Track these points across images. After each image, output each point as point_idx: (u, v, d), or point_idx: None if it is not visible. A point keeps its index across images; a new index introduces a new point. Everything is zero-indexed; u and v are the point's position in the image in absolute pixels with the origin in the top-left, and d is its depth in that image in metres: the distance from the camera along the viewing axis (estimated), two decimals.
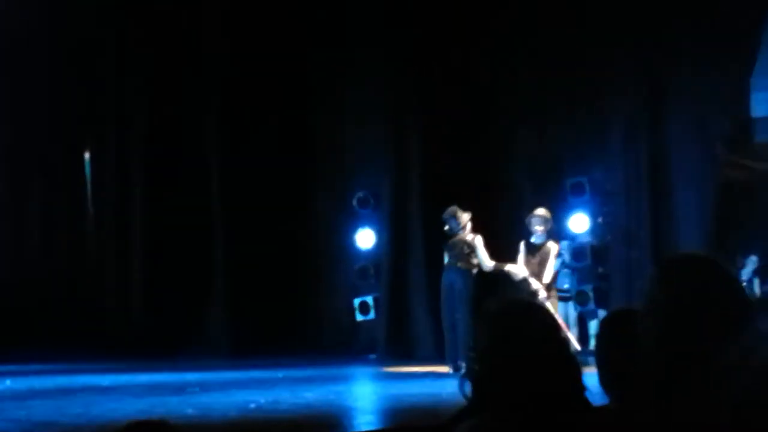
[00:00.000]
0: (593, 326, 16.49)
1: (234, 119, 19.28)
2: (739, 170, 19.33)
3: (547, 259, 14.93)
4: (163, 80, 19.29)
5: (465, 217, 14.72)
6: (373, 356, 18.11)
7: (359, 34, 18.76)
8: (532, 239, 15.08)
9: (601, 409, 3.37)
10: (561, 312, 15.82)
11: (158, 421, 3.73)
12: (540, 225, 15.02)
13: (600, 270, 17.02)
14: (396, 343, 18.01)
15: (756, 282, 19.29)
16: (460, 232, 14.67)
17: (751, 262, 19.28)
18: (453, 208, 14.80)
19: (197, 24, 19.34)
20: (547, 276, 14.92)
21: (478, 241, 14.65)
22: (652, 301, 2.69)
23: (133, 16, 19.29)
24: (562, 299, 16.11)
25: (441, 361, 15.05)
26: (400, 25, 18.27)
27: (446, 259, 14.82)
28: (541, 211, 15.18)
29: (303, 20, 18.91)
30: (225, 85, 19.33)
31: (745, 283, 18.91)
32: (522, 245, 15.03)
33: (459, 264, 14.61)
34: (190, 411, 10.49)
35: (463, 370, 13.23)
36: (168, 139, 19.37)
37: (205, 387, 13.19)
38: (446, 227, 14.77)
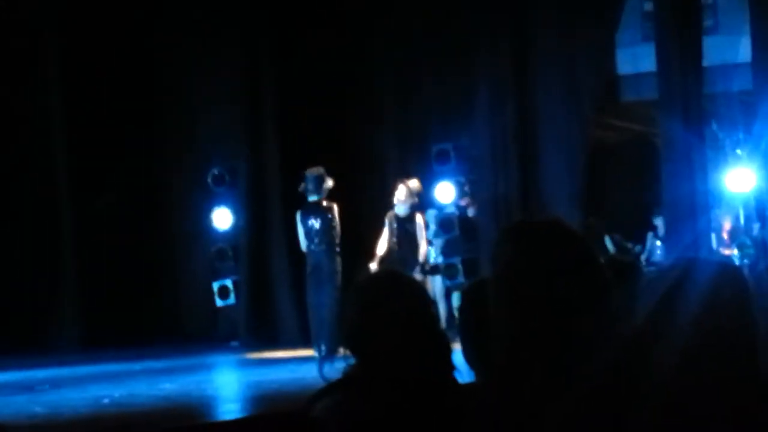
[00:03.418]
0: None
1: (79, 94, 18.75)
2: (606, 131, 19.70)
3: (419, 234, 15.09)
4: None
5: (329, 184, 14.44)
6: (235, 343, 18.03)
7: (209, 2, 18.53)
8: (396, 210, 15.12)
9: (466, 386, 3.38)
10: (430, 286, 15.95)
11: None
12: (404, 196, 15.02)
13: (468, 241, 17.05)
14: (259, 328, 17.98)
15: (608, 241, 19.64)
16: (318, 196, 14.37)
17: None
18: (320, 170, 14.45)
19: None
20: (422, 253, 15.10)
21: (335, 210, 14.43)
22: (497, 268, 2.65)
23: None
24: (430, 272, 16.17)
25: (306, 345, 15.06)
26: None
27: (302, 233, 14.49)
28: (412, 183, 15.23)
29: None
30: (67, 62, 18.81)
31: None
32: (390, 216, 15.08)
33: (323, 244, 14.34)
34: (38, 409, 10.40)
35: (324, 353, 13.29)
36: (9, 122, 18.82)
37: (54, 383, 13.02)
38: (302, 187, 14.47)
